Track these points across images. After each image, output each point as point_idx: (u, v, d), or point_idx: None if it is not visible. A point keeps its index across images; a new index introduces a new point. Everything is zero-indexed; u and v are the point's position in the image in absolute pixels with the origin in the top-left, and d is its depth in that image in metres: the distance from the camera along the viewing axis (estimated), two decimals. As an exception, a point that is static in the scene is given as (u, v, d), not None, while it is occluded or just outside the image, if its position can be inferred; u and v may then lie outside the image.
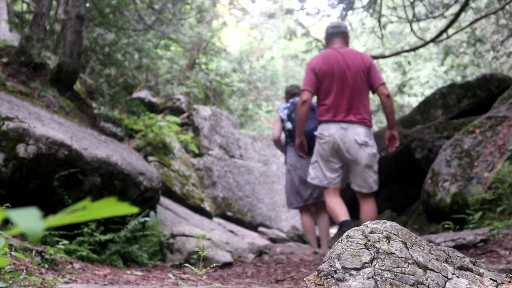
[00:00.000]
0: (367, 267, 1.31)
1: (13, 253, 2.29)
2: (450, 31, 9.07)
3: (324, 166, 4.23)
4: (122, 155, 3.92)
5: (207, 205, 8.85)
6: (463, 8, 7.67)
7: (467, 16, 10.89)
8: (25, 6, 8.55)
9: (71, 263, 2.93)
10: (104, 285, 2.50)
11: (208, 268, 2.34)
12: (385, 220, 1.46)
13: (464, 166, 4.99)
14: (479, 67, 12.83)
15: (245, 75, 16.25)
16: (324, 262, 1.36)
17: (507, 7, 8.80)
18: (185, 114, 10.52)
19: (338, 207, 4.18)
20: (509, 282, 1.36)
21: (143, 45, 8.66)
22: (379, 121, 19.01)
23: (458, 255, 1.42)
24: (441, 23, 13.37)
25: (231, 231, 8.24)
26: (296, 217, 9.37)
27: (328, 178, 4.24)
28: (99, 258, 3.30)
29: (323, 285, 1.30)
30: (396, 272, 1.30)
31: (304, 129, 4.47)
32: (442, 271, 1.34)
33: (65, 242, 3.05)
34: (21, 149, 3.19)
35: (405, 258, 1.34)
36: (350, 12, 9.66)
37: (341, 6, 9.33)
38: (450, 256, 1.40)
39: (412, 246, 1.39)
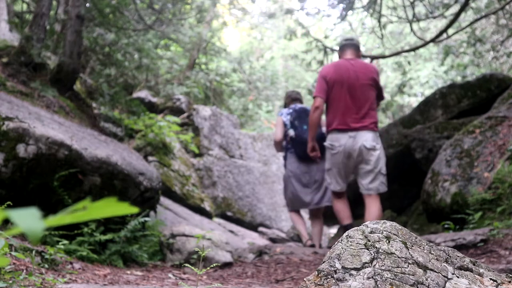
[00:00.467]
0: (367, 267, 1.31)
1: (13, 253, 2.29)
2: (450, 31, 9.07)
3: (337, 173, 4.52)
4: (122, 155, 3.92)
5: (207, 205, 8.85)
6: (463, 8, 7.67)
7: (467, 16, 10.89)
8: (25, 6, 8.55)
9: (71, 263, 2.93)
10: (104, 285, 2.50)
11: (208, 268, 2.34)
12: (385, 220, 1.46)
13: (464, 166, 4.99)
14: (479, 67, 12.83)
15: (245, 75, 16.26)
16: (324, 262, 1.36)
17: (507, 7, 8.80)
18: (185, 114, 10.52)
19: (343, 211, 4.53)
20: (509, 282, 1.36)
21: (143, 45, 8.66)
22: (379, 121, 19.00)
23: (458, 255, 1.42)
24: (441, 23, 13.37)
25: (231, 231, 8.24)
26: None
27: (340, 183, 4.55)
28: (99, 258, 3.30)
29: (323, 285, 1.30)
30: (396, 272, 1.30)
31: (315, 134, 4.66)
32: (442, 271, 1.34)
33: (65, 242, 3.05)
34: (21, 149, 3.19)
35: (405, 258, 1.34)
36: (350, 12, 9.66)
37: (341, 6, 9.33)
38: (450, 256, 1.40)
39: (412, 246, 1.39)
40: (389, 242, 1.37)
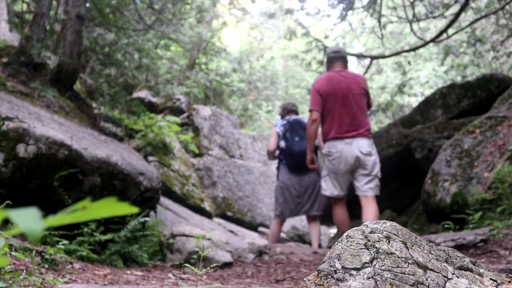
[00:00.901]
0: (367, 267, 1.31)
1: (13, 253, 2.29)
2: (450, 31, 9.07)
3: (335, 179, 4.69)
4: (122, 155, 3.92)
5: (207, 205, 8.85)
6: (463, 8, 7.67)
7: (467, 16, 10.89)
8: (25, 6, 8.55)
9: (71, 263, 2.93)
10: (104, 285, 2.50)
11: (208, 268, 2.34)
12: (385, 220, 1.46)
13: (464, 166, 4.99)
14: (479, 67, 12.83)
15: (245, 75, 16.25)
16: (324, 262, 1.36)
17: (507, 7, 8.80)
18: (185, 114, 10.52)
19: (344, 224, 4.67)
20: (509, 282, 1.36)
21: (143, 45, 8.65)
22: (379, 121, 19.01)
23: (458, 255, 1.42)
24: (441, 23, 13.37)
25: (231, 231, 8.24)
26: (296, 217, 9.36)
27: (338, 189, 4.70)
28: (99, 258, 3.30)
29: (323, 285, 1.30)
30: (396, 272, 1.30)
31: (314, 146, 4.83)
32: (442, 271, 1.34)
33: (65, 242, 3.05)
34: (21, 149, 3.19)
35: (405, 258, 1.34)
36: (350, 12, 9.66)
37: (341, 6, 9.33)
38: (450, 256, 1.40)
39: (412, 246, 1.39)
40: (389, 242, 1.37)
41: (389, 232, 1.41)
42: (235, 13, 17.41)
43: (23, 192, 3.23)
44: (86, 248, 3.22)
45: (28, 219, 0.43)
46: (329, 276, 1.31)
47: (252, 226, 9.38)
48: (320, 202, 5.40)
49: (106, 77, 8.31)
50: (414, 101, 17.81)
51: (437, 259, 1.37)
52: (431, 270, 1.33)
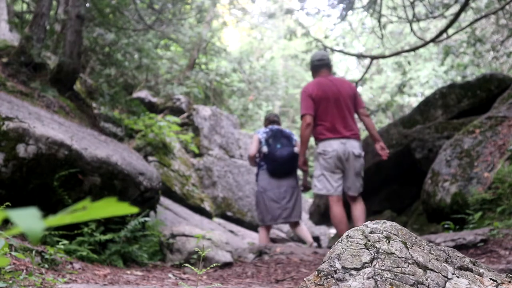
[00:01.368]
0: (367, 267, 1.31)
1: (13, 253, 2.29)
2: (450, 31, 9.07)
3: (330, 177, 4.84)
4: (122, 155, 3.92)
5: (207, 205, 8.85)
6: (463, 8, 7.67)
7: (467, 16, 10.89)
8: (25, 6, 8.55)
9: (71, 263, 2.93)
10: (104, 285, 2.50)
11: (208, 268, 2.34)
12: (385, 220, 1.46)
13: (464, 166, 4.99)
14: (479, 67, 12.82)
15: (245, 75, 16.25)
16: (324, 262, 1.36)
17: (507, 7, 8.80)
18: (185, 114, 10.52)
19: (342, 222, 4.74)
20: (509, 282, 1.36)
21: (143, 45, 8.65)
22: (379, 121, 19.01)
23: (458, 255, 1.42)
24: (441, 23, 13.37)
25: (231, 231, 8.24)
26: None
27: (334, 187, 4.83)
28: (99, 258, 3.30)
29: (323, 285, 1.31)
30: (396, 272, 1.30)
31: (306, 149, 5.05)
32: (442, 271, 1.34)
33: (65, 242, 3.05)
34: (21, 149, 3.19)
35: (405, 258, 1.34)
36: (350, 12, 9.66)
37: (341, 6, 9.33)
38: (450, 256, 1.40)
39: (412, 246, 1.39)
40: (389, 242, 1.37)
41: (389, 232, 1.41)
42: (235, 13, 17.41)
43: (23, 192, 3.23)
44: (86, 248, 3.22)
45: (28, 219, 0.43)
46: (329, 276, 1.31)
47: (252, 226, 9.38)
48: (300, 209, 5.63)
49: (106, 77, 8.31)
50: (414, 101, 17.82)
51: (437, 259, 1.37)
52: (431, 270, 1.33)
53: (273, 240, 8.52)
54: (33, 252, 2.64)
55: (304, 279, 1.36)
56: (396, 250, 1.35)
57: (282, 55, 22.43)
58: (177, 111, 10.56)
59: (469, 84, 7.51)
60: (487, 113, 5.76)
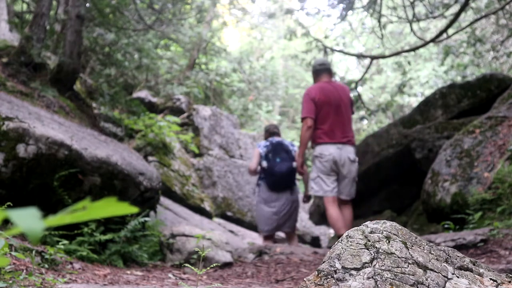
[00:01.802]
0: (367, 267, 1.31)
1: (13, 253, 2.29)
2: (450, 31, 9.07)
3: (326, 179, 4.97)
4: (122, 155, 3.92)
5: (207, 205, 8.84)
6: (463, 8, 7.67)
7: (467, 16, 10.89)
8: (25, 6, 8.55)
9: (71, 263, 2.93)
10: (104, 285, 2.50)
11: (208, 268, 2.34)
12: (385, 220, 1.46)
13: (464, 166, 4.99)
14: (479, 67, 12.82)
15: (245, 75, 16.25)
16: (324, 262, 1.36)
17: (507, 7, 8.80)
18: (185, 114, 10.52)
19: (338, 220, 4.83)
20: (509, 282, 1.36)
21: (143, 45, 8.65)
22: (379, 121, 19.01)
23: (458, 255, 1.42)
24: (441, 23, 13.37)
25: (231, 231, 8.24)
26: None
27: (330, 187, 4.96)
28: (99, 258, 3.30)
29: (323, 285, 1.30)
30: (396, 272, 1.30)
31: (305, 151, 5.17)
32: (442, 271, 1.34)
33: (65, 242, 3.05)
34: (21, 149, 3.19)
35: (405, 258, 1.34)
36: (350, 12, 9.66)
37: (341, 6, 9.33)
38: (450, 256, 1.40)
39: (412, 246, 1.39)
40: (389, 242, 1.37)
41: (389, 232, 1.41)
42: (235, 13, 17.41)
43: (23, 192, 3.23)
44: (86, 248, 3.22)
45: (28, 219, 0.43)
46: (329, 276, 1.31)
47: (252, 226, 9.37)
48: (294, 221, 5.77)
49: (106, 77, 8.31)
50: (414, 101, 17.82)
51: (437, 259, 1.37)
52: (431, 270, 1.33)
53: (273, 240, 8.52)
54: (33, 252, 2.64)
55: (304, 279, 1.36)
56: (396, 250, 1.35)
57: (282, 55, 22.42)
58: (177, 111, 10.56)
59: (469, 84, 7.51)
60: (487, 113, 5.76)
